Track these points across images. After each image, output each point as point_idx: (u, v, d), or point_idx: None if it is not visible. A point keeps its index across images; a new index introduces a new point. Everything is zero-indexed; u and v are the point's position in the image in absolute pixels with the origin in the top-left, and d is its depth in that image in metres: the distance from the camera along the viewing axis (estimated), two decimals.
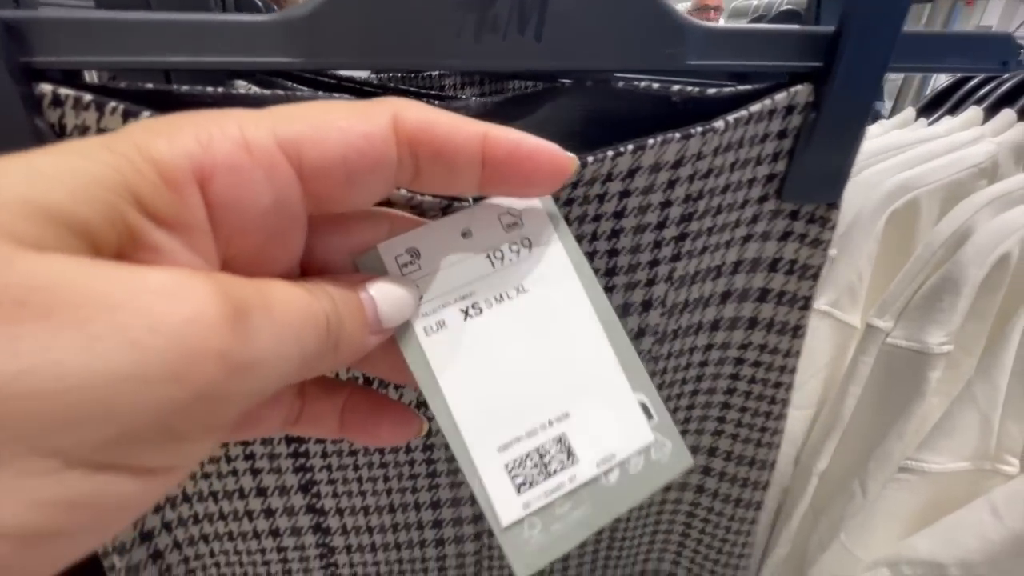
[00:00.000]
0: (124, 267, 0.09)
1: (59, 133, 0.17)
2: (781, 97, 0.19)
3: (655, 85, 0.19)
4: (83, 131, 0.17)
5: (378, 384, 0.22)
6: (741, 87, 0.19)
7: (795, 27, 0.19)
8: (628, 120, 0.18)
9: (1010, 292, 0.35)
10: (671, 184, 0.19)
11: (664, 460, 0.14)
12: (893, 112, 0.73)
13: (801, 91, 0.19)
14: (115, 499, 0.09)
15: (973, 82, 0.49)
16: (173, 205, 0.10)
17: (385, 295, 0.12)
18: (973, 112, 0.47)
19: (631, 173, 0.18)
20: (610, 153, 0.17)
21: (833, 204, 0.21)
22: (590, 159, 0.17)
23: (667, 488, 0.29)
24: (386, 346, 0.13)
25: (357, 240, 0.13)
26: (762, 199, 0.21)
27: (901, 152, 0.45)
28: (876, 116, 0.58)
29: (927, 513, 0.36)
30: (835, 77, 0.19)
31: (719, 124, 0.18)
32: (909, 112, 0.53)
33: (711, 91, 0.18)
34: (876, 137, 0.49)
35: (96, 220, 0.09)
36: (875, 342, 0.39)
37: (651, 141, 0.17)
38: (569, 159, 0.12)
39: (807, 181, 0.21)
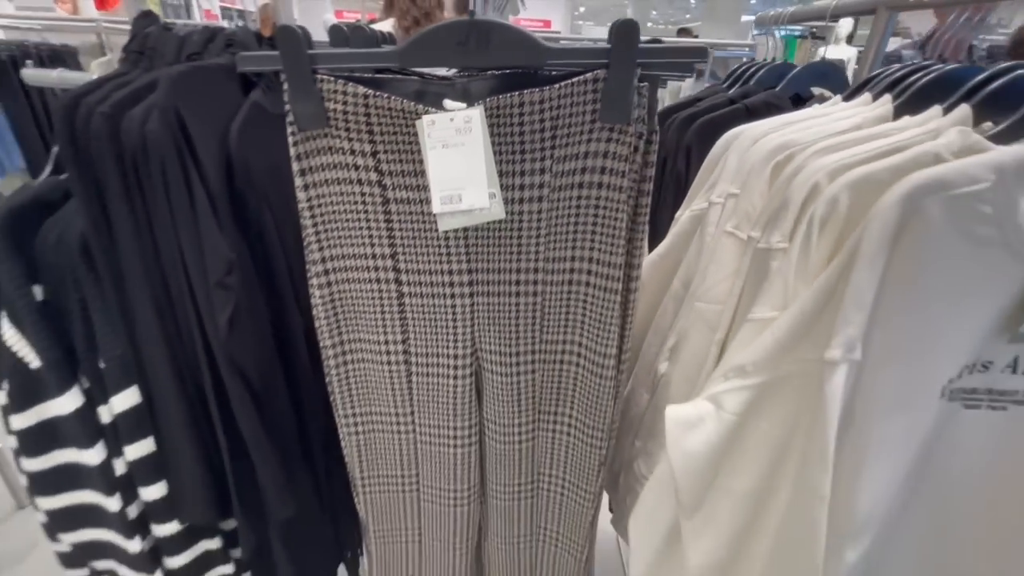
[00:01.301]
0: None
1: (321, 92, 0.48)
2: (589, 75, 0.44)
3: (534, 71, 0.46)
4: (332, 92, 0.48)
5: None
6: (575, 71, 0.44)
7: (595, 45, 0.43)
8: (524, 84, 0.45)
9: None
10: (541, 111, 0.45)
11: (492, 211, 0.41)
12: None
13: (600, 73, 0.44)
14: None
15: (886, 73, 0.64)
16: None
17: None
18: (864, 96, 0.63)
19: (520, 105, 0.45)
20: (508, 95, 0.44)
21: (628, 123, 0.46)
22: (499, 97, 0.44)
23: (569, 283, 0.55)
24: None
25: None
26: (592, 121, 0.46)
27: (797, 123, 0.64)
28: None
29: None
30: (610, 69, 0.43)
31: (556, 86, 0.44)
32: (837, 98, 0.70)
33: (555, 73, 0.44)
34: (792, 114, 0.68)
35: None
36: (751, 247, 0.59)
37: (526, 91, 0.44)
38: None
39: (609, 114, 0.45)
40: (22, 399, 0.68)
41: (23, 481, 0.75)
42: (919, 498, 0.56)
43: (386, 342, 0.57)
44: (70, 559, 0.87)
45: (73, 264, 0.63)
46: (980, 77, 0.52)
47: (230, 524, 0.88)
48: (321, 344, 0.57)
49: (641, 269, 0.54)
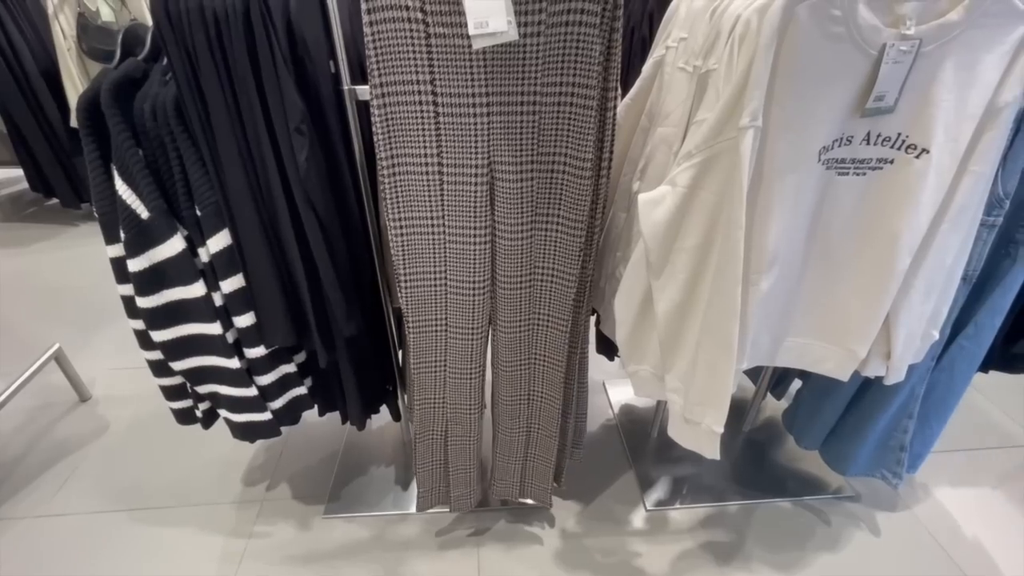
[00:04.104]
0: None
1: None
2: None
3: None
4: None
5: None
6: None
7: None
8: None
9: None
10: None
11: (509, 34, 0.60)
12: None
13: None
14: None
15: None
16: None
17: None
18: None
19: None
20: None
21: None
22: None
23: (558, 104, 0.75)
24: None
25: None
26: None
27: None
28: None
29: None
30: None
31: None
32: None
33: None
34: None
35: None
36: (696, 74, 0.80)
37: None
38: None
39: None
40: (136, 246, 0.86)
41: (138, 325, 0.95)
42: (813, 247, 0.82)
43: (424, 155, 0.76)
44: (175, 391, 1.08)
45: (170, 126, 0.80)
46: None
47: (301, 358, 1.10)
48: (377, 157, 0.76)
49: (616, 91, 0.74)
